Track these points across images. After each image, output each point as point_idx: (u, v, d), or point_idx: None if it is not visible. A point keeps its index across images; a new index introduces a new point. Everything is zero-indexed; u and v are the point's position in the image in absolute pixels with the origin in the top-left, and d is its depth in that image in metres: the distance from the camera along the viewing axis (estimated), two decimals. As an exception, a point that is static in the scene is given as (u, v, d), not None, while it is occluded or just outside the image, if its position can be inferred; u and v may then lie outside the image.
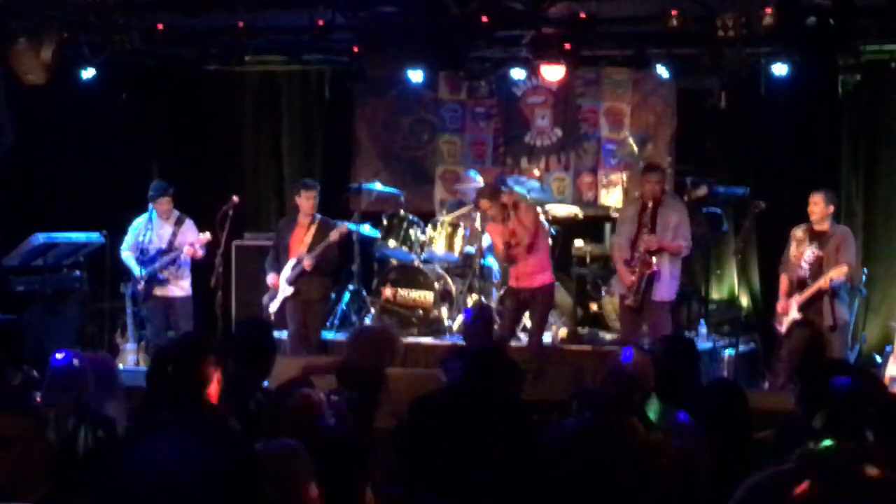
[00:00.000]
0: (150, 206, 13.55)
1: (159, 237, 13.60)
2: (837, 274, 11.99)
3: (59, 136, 15.28)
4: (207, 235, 13.52)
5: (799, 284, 12.28)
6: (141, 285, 13.50)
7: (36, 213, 14.76)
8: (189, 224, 13.63)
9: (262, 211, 16.53)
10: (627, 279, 12.45)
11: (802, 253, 12.18)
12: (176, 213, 13.69)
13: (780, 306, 12.43)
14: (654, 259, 12.33)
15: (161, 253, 13.52)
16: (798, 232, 12.37)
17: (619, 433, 4.07)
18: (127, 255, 13.63)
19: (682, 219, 12.52)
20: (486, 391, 6.93)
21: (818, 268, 12.11)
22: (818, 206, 12.17)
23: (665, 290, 12.45)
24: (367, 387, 7.91)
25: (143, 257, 13.53)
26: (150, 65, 15.20)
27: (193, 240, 13.47)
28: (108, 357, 7.57)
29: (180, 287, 13.63)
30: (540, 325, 12.67)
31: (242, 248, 15.15)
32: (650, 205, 12.45)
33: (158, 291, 13.58)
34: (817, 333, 12.20)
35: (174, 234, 13.58)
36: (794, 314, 12.36)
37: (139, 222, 13.66)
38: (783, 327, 12.43)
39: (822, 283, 12.03)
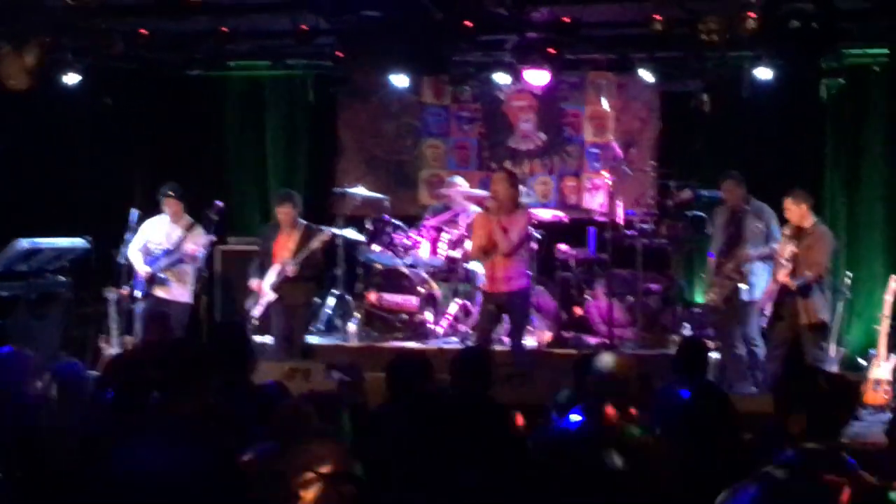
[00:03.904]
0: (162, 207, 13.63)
1: (167, 239, 13.56)
2: (784, 274, 12.23)
3: (43, 141, 15.24)
4: (212, 237, 13.54)
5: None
6: (142, 284, 13.46)
7: (20, 218, 14.70)
8: (199, 230, 13.55)
9: (246, 216, 16.49)
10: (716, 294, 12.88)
11: (784, 250, 12.29)
12: (188, 218, 13.65)
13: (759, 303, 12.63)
14: (743, 271, 12.67)
15: (167, 253, 13.49)
16: (785, 230, 12.49)
17: (610, 436, 4.09)
18: (135, 254, 13.57)
19: (770, 222, 12.70)
20: (472, 396, 6.95)
21: (795, 264, 12.22)
22: (792, 210, 12.31)
23: (757, 291, 12.71)
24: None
25: (148, 258, 13.51)
26: (133, 70, 15.15)
27: (197, 241, 13.42)
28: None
29: (181, 293, 13.57)
30: (519, 329, 12.61)
31: (227, 253, 15.15)
32: (738, 210, 12.87)
33: (158, 291, 13.51)
34: (795, 336, 12.42)
35: (182, 238, 13.53)
36: (768, 310, 12.55)
37: (150, 223, 13.66)
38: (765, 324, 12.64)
39: (781, 279, 12.19)
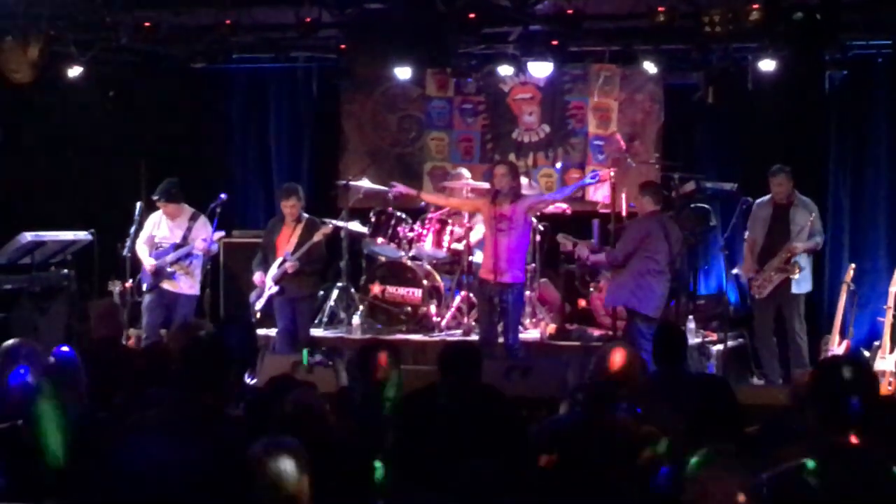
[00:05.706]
0: None
1: (172, 233, 13.48)
2: None
3: (47, 134, 15.26)
4: (221, 233, 13.53)
5: None
6: (148, 277, 13.40)
7: (23, 211, 14.73)
8: (203, 220, 13.46)
9: (250, 208, 16.52)
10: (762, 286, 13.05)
11: None
12: (190, 210, 13.59)
13: None
14: (793, 262, 12.89)
15: (175, 247, 13.42)
16: None
17: (610, 428, 4.09)
18: (141, 247, 13.51)
19: (815, 216, 13.02)
20: (474, 388, 6.96)
21: None
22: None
23: (803, 283, 13.03)
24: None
25: (156, 252, 13.44)
26: (137, 63, 15.18)
27: (206, 236, 13.34)
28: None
29: (189, 285, 13.49)
30: (515, 323, 12.56)
31: (231, 246, 15.13)
32: (784, 204, 13.10)
33: (166, 285, 13.39)
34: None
35: (188, 230, 13.45)
36: None
37: (154, 216, 13.61)
38: None
39: None
